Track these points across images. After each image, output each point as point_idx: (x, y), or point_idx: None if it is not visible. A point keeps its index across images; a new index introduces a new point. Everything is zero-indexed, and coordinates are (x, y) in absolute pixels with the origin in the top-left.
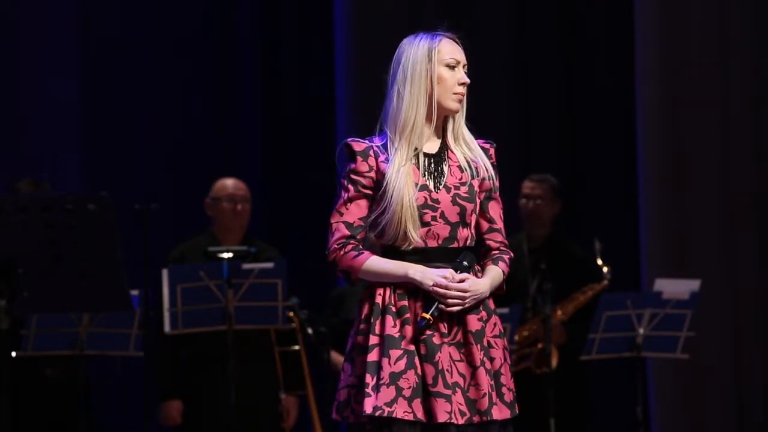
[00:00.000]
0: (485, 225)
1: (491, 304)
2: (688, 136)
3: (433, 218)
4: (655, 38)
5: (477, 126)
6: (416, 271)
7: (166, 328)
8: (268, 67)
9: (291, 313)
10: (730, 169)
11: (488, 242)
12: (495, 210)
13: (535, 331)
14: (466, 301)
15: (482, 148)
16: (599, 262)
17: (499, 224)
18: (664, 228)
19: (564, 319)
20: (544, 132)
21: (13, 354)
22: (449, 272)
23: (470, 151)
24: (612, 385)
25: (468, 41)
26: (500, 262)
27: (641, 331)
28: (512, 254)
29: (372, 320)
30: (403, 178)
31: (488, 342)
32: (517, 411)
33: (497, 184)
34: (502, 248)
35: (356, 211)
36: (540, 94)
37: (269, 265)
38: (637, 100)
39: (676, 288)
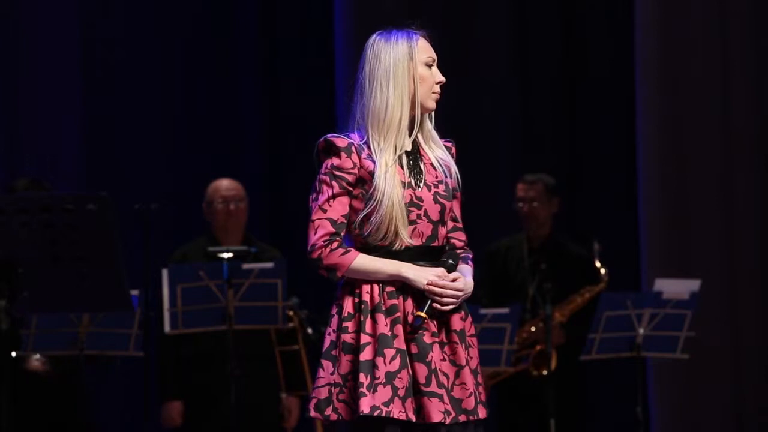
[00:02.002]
0: (450, 224)
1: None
2: (688, 136)
3: (418, 216)
4: (655, 38)
5: (477, 125)
6: (409, 270)
7: (166, 328)
8: (268, 67)
9: (291, 313)
10: (730, 170)
11: (453, 241)
12: (458, 209)
13: (533, 332)
14: (459, 300)
15: (445, 146)
16: (597, 264)
17: (461, 223)
18: (664, 228)
19: (563, 321)
20: (544, 131)
21: (13, 354)
22: (441, 271)
23: (438, 150)
24: (612, 385)
25: (468, 41)
26: (468, 261)
27: (641, 331)
28: (473, 254)
29: (361, 319)
30: (391, 178)
31: (468, 341)
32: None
33: (460, 182)
34: (465, 248)
35: (339, 208)
36: (540, 93)
37: (269, 265)
38: (637, 99)
39: (676, 288)
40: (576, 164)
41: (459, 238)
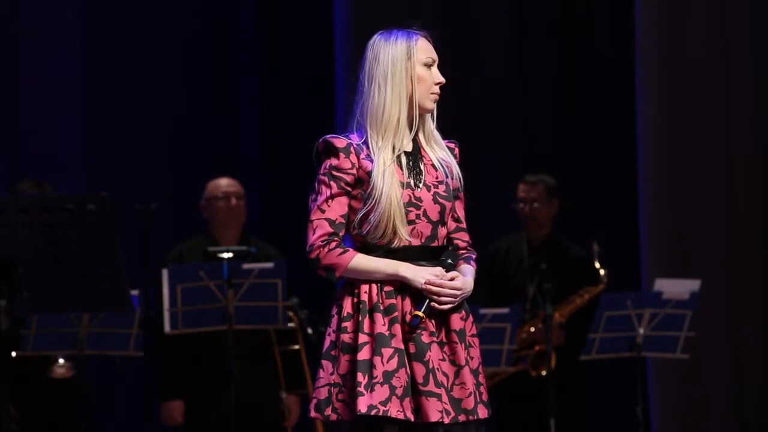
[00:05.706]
0: (452, 224)
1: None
2: (688, 136)
3: (417, 216)
4: (655, 38)
5: (477, 125)
6: (407, 269)
7: (166, 328)
8: (268, 67)
9: (290, 313)
10: (730, 170)
11: (456, 242)
12: (461, 209)
13: (532, 333)
14: (457, 299)
15: (448, 147)
16: (597, 264)
17: (465, 224)
18: (664, 228)
19: (562, 321)
20: (544, 132)
21: (13, 354)
22: (439, 270)
23: (440, 150)
24: (612, 385)
25: (467, 41)
26: (471, 261)
27: (641, 331)
28: (476, 254)
29: (359, 318)
30: (389, 177)
31: (468, 341)
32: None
33: (462, 183)
34: (469, 248)
35: (338, 208)
36: (540, 93)
37: (269, 265)
38: (637, 100)
39: (676, 288)
40: (576, 164)
41: (462, 239)
